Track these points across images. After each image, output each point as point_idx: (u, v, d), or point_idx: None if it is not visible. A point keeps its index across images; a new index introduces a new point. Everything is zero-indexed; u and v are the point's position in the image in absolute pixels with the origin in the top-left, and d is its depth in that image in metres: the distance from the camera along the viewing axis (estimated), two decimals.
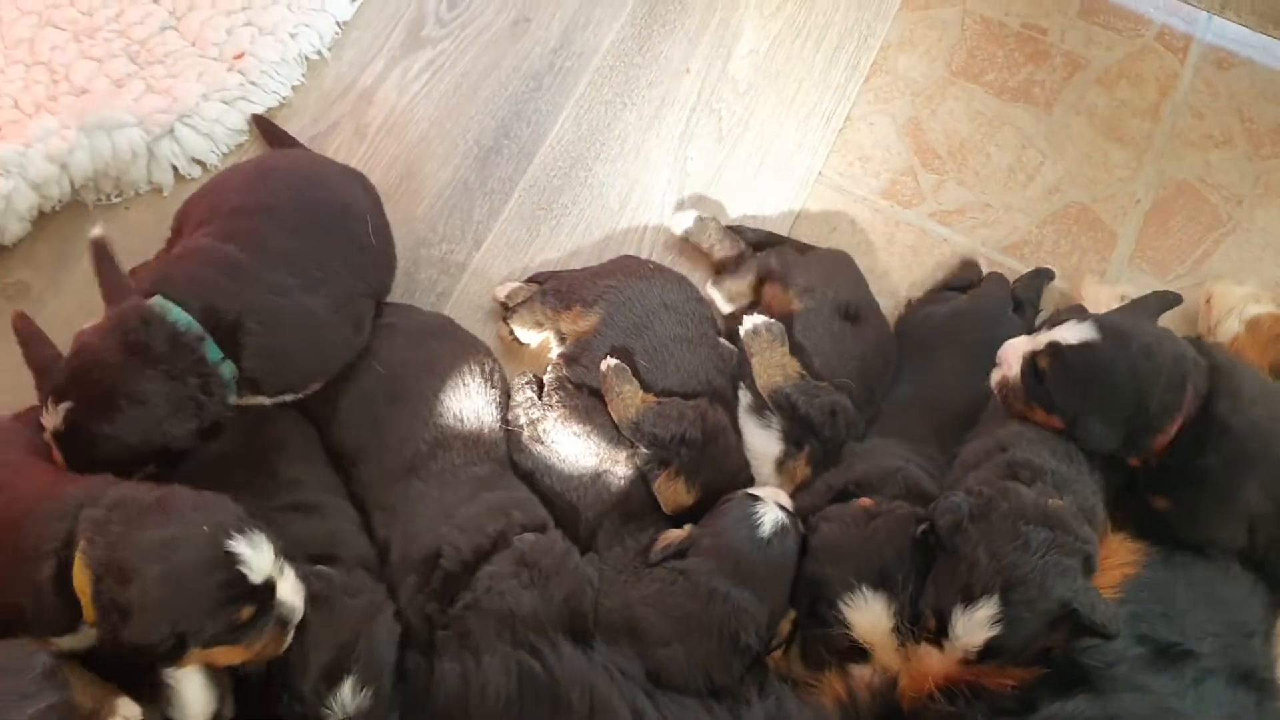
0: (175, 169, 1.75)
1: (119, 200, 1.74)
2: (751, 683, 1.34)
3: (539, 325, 1.60)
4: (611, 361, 1.46)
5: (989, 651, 1.25)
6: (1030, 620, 1.24)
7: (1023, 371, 1.41)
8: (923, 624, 1.29)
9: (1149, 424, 1.37)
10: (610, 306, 1.54)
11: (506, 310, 1.62)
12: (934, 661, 1.28)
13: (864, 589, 1.29)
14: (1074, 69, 1.98)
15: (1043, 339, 1.41)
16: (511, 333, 1.62)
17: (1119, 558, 1.38)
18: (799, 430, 1.49)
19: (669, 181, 1.82)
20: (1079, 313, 1.47)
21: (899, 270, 1.78)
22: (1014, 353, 1.43)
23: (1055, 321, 1.44)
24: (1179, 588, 1.37)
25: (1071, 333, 1.39)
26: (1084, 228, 1.84)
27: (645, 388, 1.47)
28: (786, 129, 1.89)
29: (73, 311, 1.62)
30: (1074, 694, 1.25)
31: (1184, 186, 1.90)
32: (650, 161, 1.84)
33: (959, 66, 1.97)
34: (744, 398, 1.53)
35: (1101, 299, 1.74)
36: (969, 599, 1.24)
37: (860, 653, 1.32)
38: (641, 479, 1.45)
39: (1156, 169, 1.91)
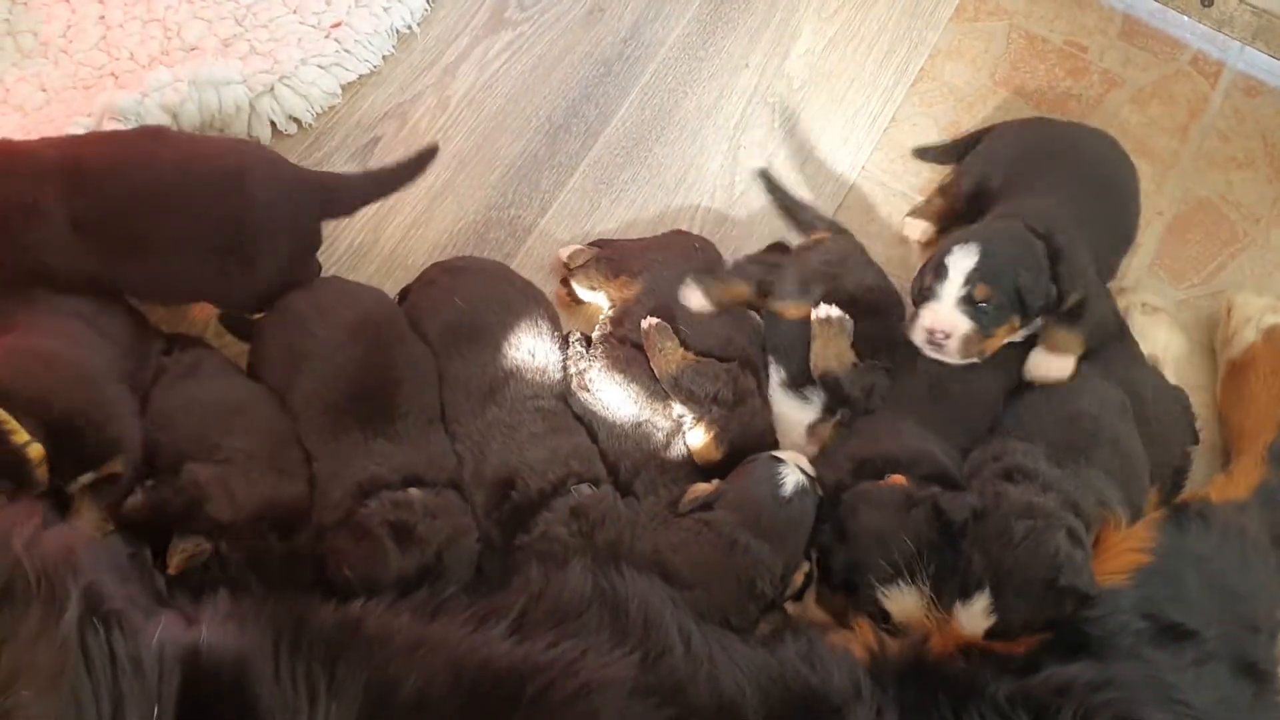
0: (273, 124, 1.91)
1: None
2: (784, 625, 1.48)
3: (593, 288, 1.74)
4: (653, 320, 1.60)
5: (994, 634, 1.38)
6: (1021, 604, 1.36)
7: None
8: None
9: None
10: (652, 279, 1.67)
11: (568, 270, 1.77)
12: (957, 628, 1.40)
13: (901, 582, 1.40)
14: (1110, 86, 2.11)
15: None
16: (570, 292, 1.77)
17: (1132, 543, 1.47)
18: (834, 401, 1.62)
19: (722, 166, 1.96)
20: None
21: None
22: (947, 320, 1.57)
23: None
24: (1190, 576, 1.43)
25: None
26: None
27: (685, 347, 1.61)
28: (834, 125, 2.02)
29: None
30: (1076, 658, 1.34)
31: (1205, 203, 2.02)
32: (706, 147, 1.98)
33: (1002, 76, 2.10)
34: (776, 374, 1.65)
35: (1121, 306, 1.86)
36: (965, 595, 1.38)
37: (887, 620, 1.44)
38: (677, 432, 1.59)
39: (1180, 185, 2.03)
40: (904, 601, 1.41)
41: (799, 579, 1.50)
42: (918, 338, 1.57)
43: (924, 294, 1.58)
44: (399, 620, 1.27)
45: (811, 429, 1.63)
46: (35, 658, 0.99)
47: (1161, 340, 1.82)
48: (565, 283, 1.79)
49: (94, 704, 1.00)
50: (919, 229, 1.91)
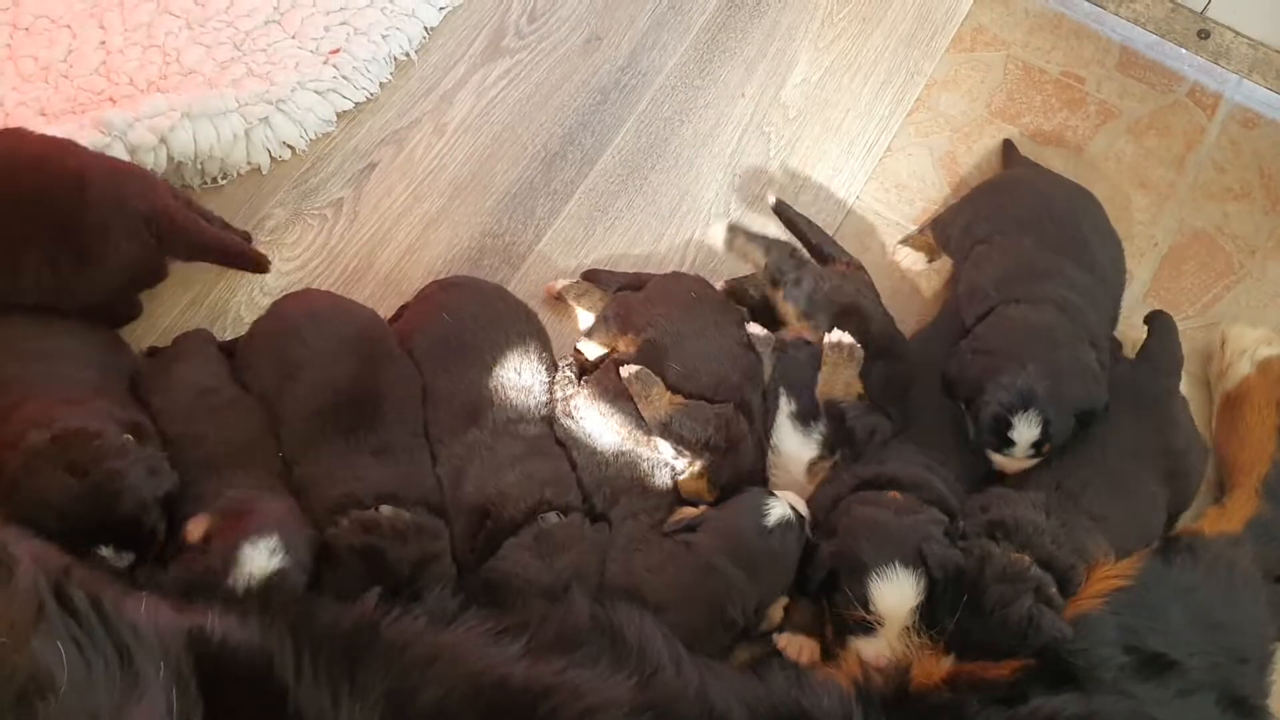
0: (268, 151, 1.92)
1: (225, 183, 1.90)
2: (769, 655, 1.49)
3: (605, 345, 1.73)
4: (633, 368, 1.58)
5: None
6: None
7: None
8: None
9: None
10: (656, 332, 1.66)
11: (586, 335, 1.76)
12: (940, 659, 1.41)
13: (898, 565, 1.41)
14: (1106, 117, 2.11)
15: None
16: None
17: (1113, 573, 1.47)
18: (836, 439, 1.61)
19: (717, 194, 1.97)
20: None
21: (927, 290, 1.91)
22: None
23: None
24: (1174, 608, 1.44)
25: None
26: None
27: (674, 390, 1.59)
28: (830, 154, 2.03)
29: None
30: (1062, 690, 1.34)
31: (1201, 234, 2.02)
32: (701, 175, 1.99)
33: (998, 107, 2.11)
34: (786, 405, 1.64)
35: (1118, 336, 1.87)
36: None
37: (866, 629, 1.44)
38: (661, 465, 1.58)
39: (1176, 216, 2.03)
40: (896, 588, 1.40)
41: (776, 613, 1.50)
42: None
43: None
44: (415, 626, 1.30)
45: (811, 466, 1.63)
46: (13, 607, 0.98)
47: None
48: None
49: (88, 652, 0.99)
50: (913, 259, 1.91)
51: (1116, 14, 2.19)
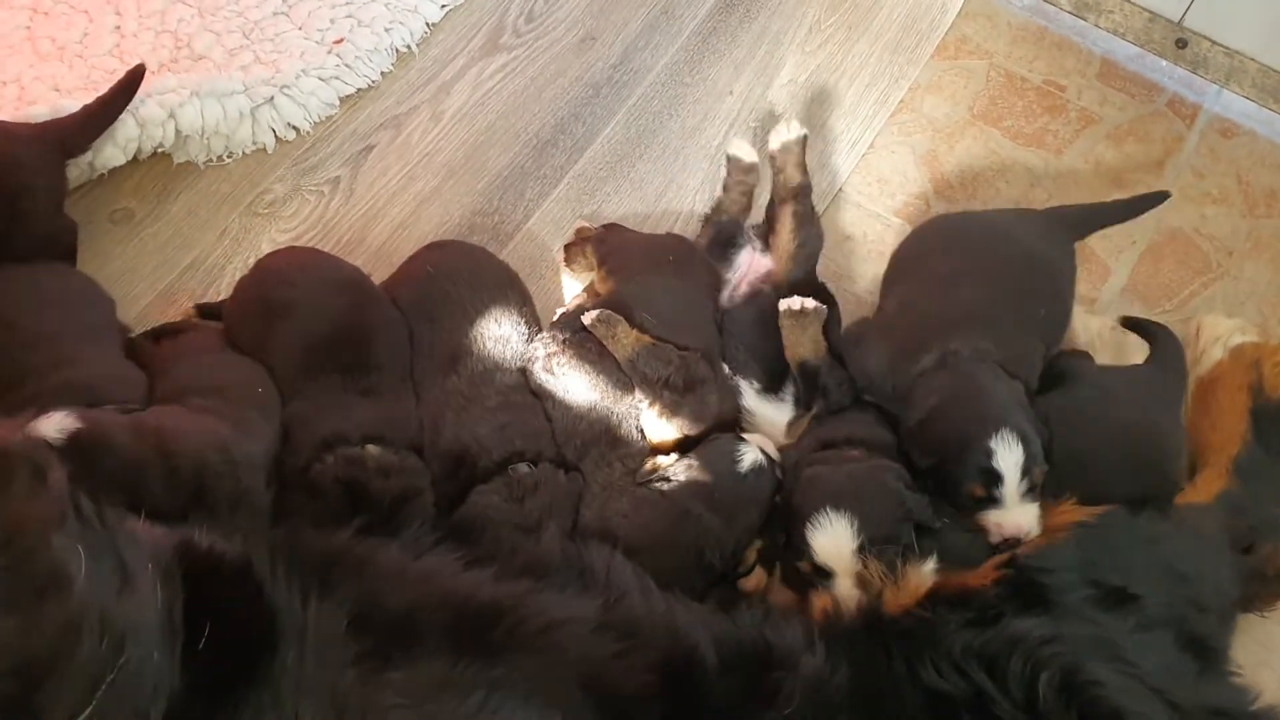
0: (273, 131, 2.00)
1: (230, 161, 1.98)
2: (738, 597, 1.51)
3: (586, 269, 1.81)
4: (595, 312, 1.62)
5: None
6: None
7: None
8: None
9: None
10: (629, 280, 1.70)
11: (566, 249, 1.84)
12: (917, 577, 1.43)
13: (827, 510, 1.43)
14: (1087, 123, 2.17)
15: None
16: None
17: (1077, 510, 1.49)
18: (810, 394, 1.65)
19: (702, 182, 2.02)
20: None
21: None
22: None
23: None
24: (1137, 552, 1.46)
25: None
26: (1081, 258, 1.96)
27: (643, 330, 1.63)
28: (814, 150, 2.07)
29: (168, 238, 1.87)
30: (1032, 613, 1.36)
31: (1178, 234, 2.05)
32: (688, 165, 2.05)
33: (980, 110, 2.17)
34: (747, 387, 1.68)
35: (1092, 327, 1.90)
36: None
37: (823, 578, 1.46)
38: (633, 418, 1.61)
39: (1155, 216, 2.05)
40: (830, 534, 1.43)
41: (751, 556, 1.52)
42: (993, 540, 1.50)
43: (977, 502, 1.50)
44: (387, 550, 1.33)
45: (790, 426, 1.66)
46: (33, 509, 1.01)
47: (1132, 359, 1.84)
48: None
49: (96, 554, 1.02)
50: None
51: (1097, 25, 2.26)
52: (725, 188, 1.89)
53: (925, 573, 1.39)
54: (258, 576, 1.17)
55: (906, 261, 1.80)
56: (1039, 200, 2.05)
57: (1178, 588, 1.43)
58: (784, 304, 1.65)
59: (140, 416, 1.39)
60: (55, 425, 1.30)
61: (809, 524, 1.44)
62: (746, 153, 1.87)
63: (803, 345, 1.63)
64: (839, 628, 1.38)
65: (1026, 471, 1.48)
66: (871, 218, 2.02)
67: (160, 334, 1.68)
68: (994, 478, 1.48)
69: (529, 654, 1.23)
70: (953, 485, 1.51)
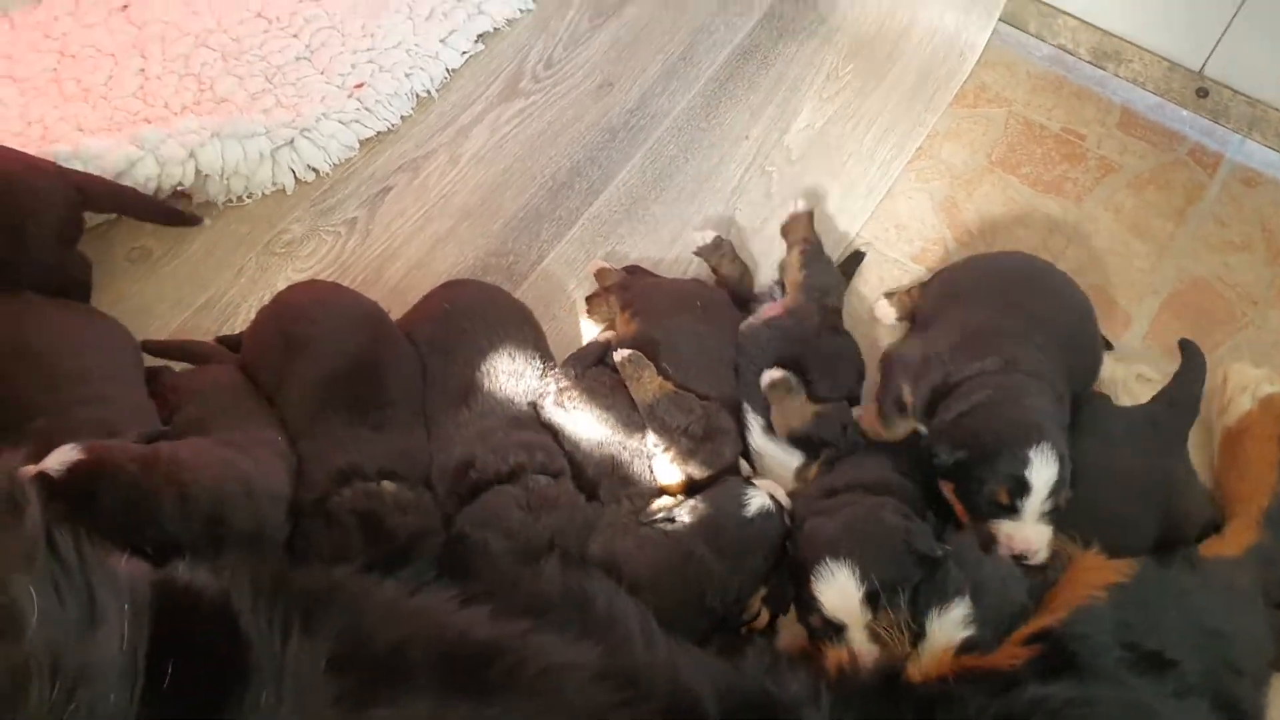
0: (293, 172, 2.01)
1: (249, 201, 2.00)
2: (749, 648, 1.45)
3: (605, 320, 1.82)
4: (626, 351, 1.63)
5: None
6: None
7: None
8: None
9: None
10: (653, 324, 1.70)
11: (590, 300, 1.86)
12: (943, 655, 1.38)
13: (827, 562, 1.40)
14: (1106, 171, 2.15)
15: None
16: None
17: (1110, 567, 1.45)
18: (811, 453, 1.64)
19: (716, 226, 2.01)
20: None
21: (883, 340, 1.90)
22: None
23: None
24: (1171, 610, 1.41)
25: None
26: (1101, 307, 1.93)
27: (665, 377, 1.63)
28: (831, 195, 2.08)
29: (185, 276, 1.88)
30: (1059, 678, 1.31)
31: (1201, 282, 2.03)
32: (703, 207, 2.04)
33: (998, 158, 2.16)
34: (755, 423, 1.66)
35: (1117, 376, 1.87)
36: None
37: (835, 631, 1.42)
38: (644, 456, 1.60)
39: (1176, 265, 2.04)
40: (834, 585, 1.39)
41: (755, 604, 1.49)
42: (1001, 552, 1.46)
43: (992, 508, 1.47)
44: (382, 587, 1.30)
45: (799, 472, 1.64)
46: (8, 545, 1.01)
47: None
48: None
49: (64, 593, 1.01)
50: (887, 312, 1.89)
51: (1116, 74, 2.25)
52: (713, 270, 1.90)
53: (953, 621, 1.35)
54: (235, 612, 1.15)
55: (968, 284, 1.78)
56: (1057, 247, 2.04)
57: (1214, 649, 1.37)
58: (766, 376, 1.64)
59: (156, 447, 1.39)
60: (58, 460, 1.29)
61: (813, 578, 1.42)
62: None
63: (789, 417, 1.62)
64: (853, 683, 1.34)
65: (1054, 492, 1.45)
66: (889, 263, 2.01)
67: (180, 353, 1.72)
68: (1022, 487, 1.44)
69: (525, 697, 1.20)
70: (975, 484, 1.48)
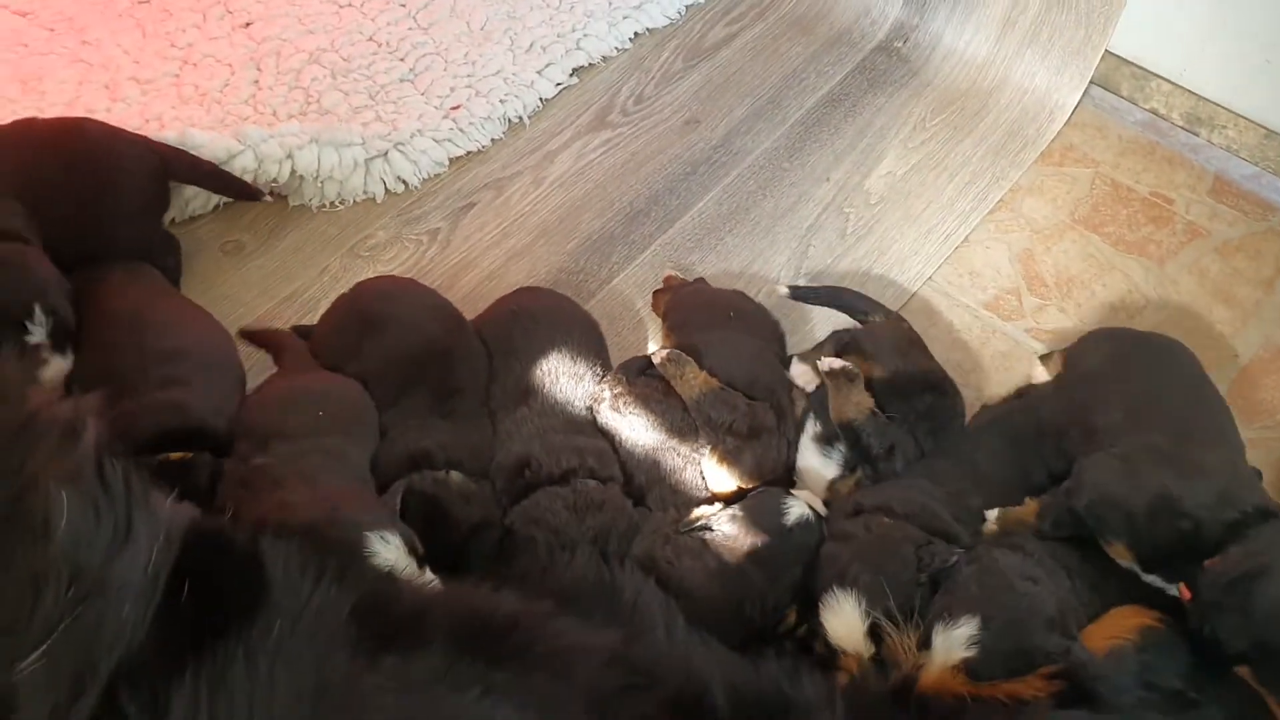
0: (384, 183, 2.11)
1: (341, 206, 2.09)
2: (770, 649, 1.45)
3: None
4: (665, 351, 1.66)
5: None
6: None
7: None
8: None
9: None
10: (691, 332, 1.75)
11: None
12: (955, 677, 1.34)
13: (834, 591, 1.39)
14: (1193, 235, 2.11)
15: None
16: None
17: (1144, 612, 1.42)
18: (856, 458, 1.63)
19: (788, 259, 2.04)
20: None
21: (988, 370, 1.91)
22: None
23: None
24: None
25: None
26: None
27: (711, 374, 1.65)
28: (906, 239, 2.09)
29: (272, 270, 1.98)
30: (1076, 707, 1.28)
31: None
32: (776, 242, 2.07)
33: (1081, 216, 2.14)
34: (811, 428, 1.67)
35: None
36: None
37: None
38: (695, 463, 1.61)
39: (1261, 332, 1.98)
40: (838, 614, 1.38)
41: (791, 616, 1.47)
42: None
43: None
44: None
45: (832, 485, 1.63)
46: (51, 465, 1.07)
47: None
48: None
49: (100, 511, 1.07)
50: (1042, 374, 1.79)
51: (1210, 141, 2.22)
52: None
53: (957, 639, 1.31)
54: (262, 554, 1.19)
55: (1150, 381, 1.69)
56: (1135, 305, 2.00)
57: (1237, 689, 1.33)
58: (824, 363, 1.66)
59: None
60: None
61: (820, 605, 1.41)
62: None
63: (846, 406, 1.62)
64: (864, 692, 1.32)
65: None
66: (959, 308, 2.00)
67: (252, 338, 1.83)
68: None
69: (535, 669, 1.21)
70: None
